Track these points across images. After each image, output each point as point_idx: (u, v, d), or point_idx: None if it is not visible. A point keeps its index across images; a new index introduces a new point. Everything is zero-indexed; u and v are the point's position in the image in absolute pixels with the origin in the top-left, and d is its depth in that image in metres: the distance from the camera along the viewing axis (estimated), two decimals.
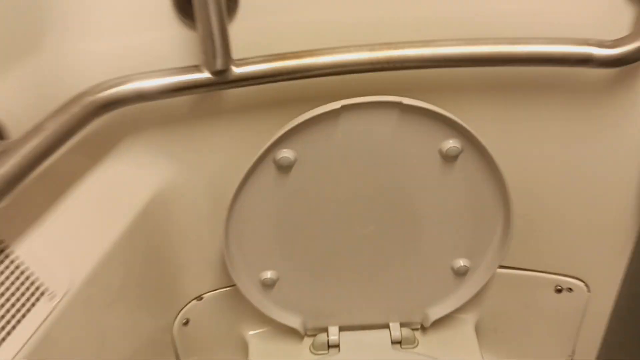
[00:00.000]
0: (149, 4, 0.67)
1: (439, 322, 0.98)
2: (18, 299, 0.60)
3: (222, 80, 0.67)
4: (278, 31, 0.70)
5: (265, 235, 0.83)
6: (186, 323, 0.94)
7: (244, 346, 1.00)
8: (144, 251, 0.80)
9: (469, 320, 1.01)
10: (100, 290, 0.70)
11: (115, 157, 0.74)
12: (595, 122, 0.77)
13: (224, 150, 0.79)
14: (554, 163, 0.81)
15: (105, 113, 0.65)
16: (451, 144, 0.74)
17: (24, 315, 0.60)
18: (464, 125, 0.72)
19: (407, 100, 0.71)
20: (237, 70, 0.67)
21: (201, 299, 0.94)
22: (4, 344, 0.57)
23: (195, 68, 0.67)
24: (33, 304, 0.62)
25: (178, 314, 0.92)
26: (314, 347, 0.97)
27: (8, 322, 0.58)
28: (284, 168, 0.76)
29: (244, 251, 0.84)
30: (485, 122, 0.78)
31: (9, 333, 0.57)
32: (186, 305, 0.93)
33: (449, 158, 0.76)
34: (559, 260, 0.92)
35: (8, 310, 0.58)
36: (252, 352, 0.98)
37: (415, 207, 0.81)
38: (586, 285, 0.93)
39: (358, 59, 0.68)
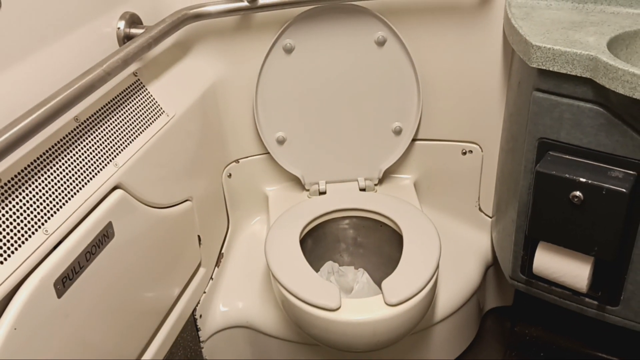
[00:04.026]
0: None
1: (390, 182, 1.53)
2: (150, 114, 1.15)
3: (254, 6, 1.25)
4: None
5: (279, 105, 1.39)
6: (230, 176, 1.49)
7: (265, 198, 1.54)
8: (205, 117, 1.36)
9: (409, 181, 1.56)
10: (186, 123, 1.26)
11: (195, 53, 1.32)
12: (471, 30, 1.33)
13: (256, 52, 1.35)
14: (450, 57, 1.38)
15: (191, 22, 1.23)
16: (380, 34, 1.32)
17: (153, 122, 1.15)
18: (387, 21, 1.30)
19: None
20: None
21: (238, 162, 1.49)
22: (147, 130, 1.12)
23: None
24: (157, 117, 1.17)
25: (224, 169, 1.47)
26: (310, 194, 1.51)
27: (147, 124, 1.13)
28: (288, 51, 1.34)
29: (267, 117, 1.40)
30: (407, 26, 1.34)
31: (146, 128, 1.13)
32: (229, 164, 1.48)
33: (379, 44, 1.33)
34: (461, 131, 1.47)
35: (145, 118, 1.14)
36: (271, 201, 1.52)
37: (363, 82, 1.38)
38: (480, 147, 1.48)
39: None
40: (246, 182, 1.52)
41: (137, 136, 1.09)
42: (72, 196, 0.92)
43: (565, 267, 1.17)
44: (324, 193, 1.49)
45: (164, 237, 1.17)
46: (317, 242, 1.42)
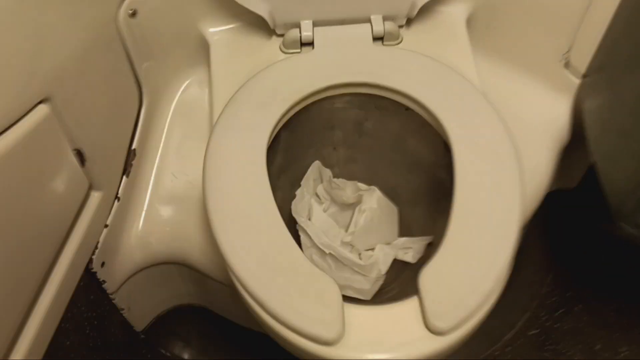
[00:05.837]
0: None
1: (427, 18, 0.87)
2: None
3: None
4: None
5: None
6: (133, 14, 0.80)
7: (205, 46, 0.88)
8: None
9: (459, 14, 0.89)
10: None
11: None
12: None
13: None
14: None
15: None
16: None
17: None
18: None
19: None
20: None
21: None
22: None
23: None
24: None
25: (121, 3, 0.78)
26: (285, 45, 0.85)
27: None
28: None
29: None
30: None
31: None
32: None
33: None
34: None
35: None
36: (214, 52, 0.87)
37: None
38: None
39: None
40: (166, 19, 0.84)
41: None
42: None
43: None
44: (310, 44, 0.83)
45: None
46: (295, 131, 0.83)
